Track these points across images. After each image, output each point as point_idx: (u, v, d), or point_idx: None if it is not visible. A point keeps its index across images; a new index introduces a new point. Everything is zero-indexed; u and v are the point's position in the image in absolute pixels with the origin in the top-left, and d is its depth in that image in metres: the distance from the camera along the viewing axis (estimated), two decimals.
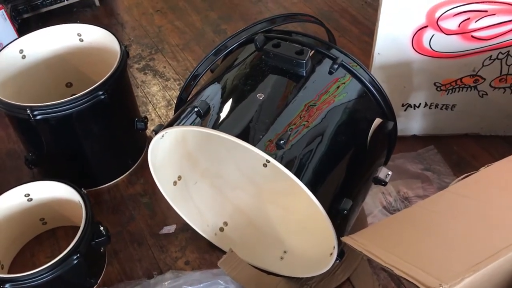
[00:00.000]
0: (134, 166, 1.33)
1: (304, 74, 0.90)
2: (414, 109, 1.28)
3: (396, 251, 0.68)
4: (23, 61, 1.26)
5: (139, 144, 1.36)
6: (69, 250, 0.96)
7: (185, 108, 0.93)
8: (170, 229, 1.19)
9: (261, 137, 0.81)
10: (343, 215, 0.84)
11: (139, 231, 1.19)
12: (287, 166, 0.79)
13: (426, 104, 1.27)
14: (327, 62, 0.93)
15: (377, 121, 0.95)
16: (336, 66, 0.92)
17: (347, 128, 0.91)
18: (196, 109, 0.86)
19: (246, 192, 1.22)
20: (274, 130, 0.82)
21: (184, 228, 1.18)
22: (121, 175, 1.30)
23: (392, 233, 0.76)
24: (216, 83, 0.97)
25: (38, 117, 1.06)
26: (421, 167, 1.27)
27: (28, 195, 1.10)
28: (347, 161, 0.90)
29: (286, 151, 0.81)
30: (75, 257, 0.97)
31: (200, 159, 1.18)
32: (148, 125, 1.32)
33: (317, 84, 0.91)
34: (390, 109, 0.98)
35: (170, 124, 0.92)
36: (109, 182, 1.28)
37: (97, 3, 1.91)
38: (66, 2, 1.82)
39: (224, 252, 1.11)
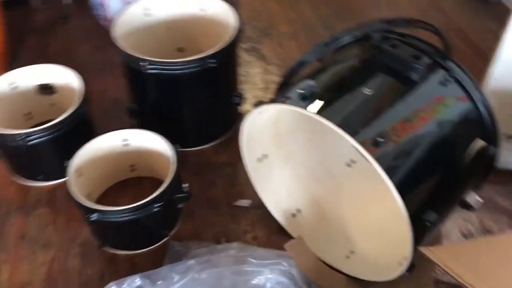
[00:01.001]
0: (223, 138, 1.38)
1: (417, 80, 0.89)
2: None
3: (477, 273, 0.66)
4: (145, 19, 1.35)
5: (230, 118, 1.40)
6: (152, 198, 1.03)
7: (288, 90, 0.95)
8: (245, 203, 1.23)
9: (360, 130, 0.81)
10: (424, 226, 0.83)
11: (216, 198, 1.24)
12: (380, 163, 0.79)
13: None
14: (441, 73, 0.92)
15: (480, 143, 0.92)
16: (450, 79, 0.90)
17: (448, 142, 0.89)
18: (300, 92, 0.88)
19: (324, 186, 1.23)
20: (374, 127, 0.82)
21: (258, 205, 1.21)
22: (209, 143, 1.36)
23: (474, 254, 0.74)
24: (323, 72, 0.98)
25: (151, 71, 1.14)
26: None
27: (126, 140, 1.18)
28: (439, 175, 0.88)
29: (381, 149, 0.80)
30: (156, 205, 1.03)
31: (288, 144, 1.20)
32: (242, 102, 1.36)
33: (427, 93, 0.89)
34: (496, 135, 0.95)
35: (272, 102, 0.95)
36: (197, 147, 1.34)
37: None
38: None
39: (292, 238, 1.14)
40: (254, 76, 1.59)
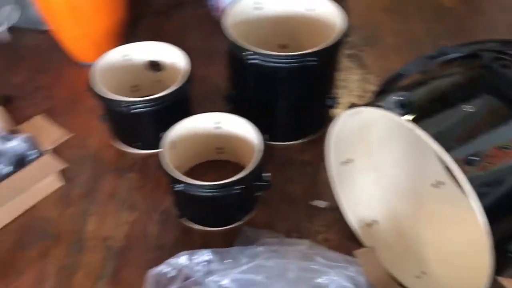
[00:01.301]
0: (310, 137, 1.40)
1: None
2: None
3: None
4: (254, 12, 1.40)
5: (321, 119, 1.41)
6: (234, 180, 1.07)
7: (385, 97, 0.95)
8: (322, 204, 1.23)
9: (455, 146, 0.79)
10: (506, 257, 0.78)
11: (293, 194, 1.26)
12: (471, 183, 0.76)
13: None
14: None
15: None
16: None
17: None
18: (397, 99, 0.87)
19: (405, 202, 1.20)
20: (470, 146, 0.80)
21: (335, 209, 1.21)
22: (296, 140, 1.38)
23: None
24: (424, 84, 0.96)
25: (252, 61, 1.18)
26: None
27: (218, 123, 1.24)
28: None
29: (474, 170, 0.78)
30: (237, 187, 1.07)
31: (375, 153, 1.18)
32: (335, 105, 1.37)
33: None
34: None
35: (367, 105, 0.95)
36: (284, 142, 1.37)
37: None
38: None
39: (363, 246, 1.12)
40: (351, 82, 1.58)
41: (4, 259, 1.12)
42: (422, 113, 0.86)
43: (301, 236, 1.16)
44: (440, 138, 0.80)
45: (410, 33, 1.79)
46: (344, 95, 1.53)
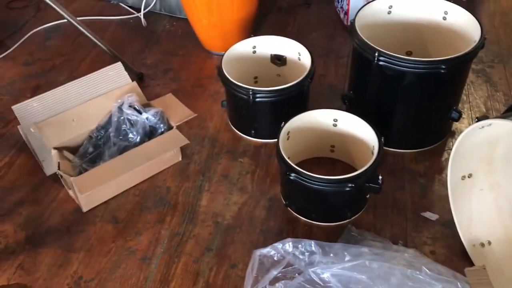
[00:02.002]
0: (426, 148, 1.36)
1: None
2: None
3: None
4: (386, 16, 1.39)
5: (442, 131, 1.37)
6: (349, 177, 1.08)
7: None
8: (432, 216, 1.20)
9: None
10: None
11: (403, 202, 1.24)
12: None
13: None
14: None
15: None
16: None
17: None
18: None
19: None
20: None
21: (445, 223, 1.17)
22: (412, 149, 1.35)
23: None
24: None
25: (381, 62, 1.18)
26: None
27: (336, 120, 1.25)
28: None
29: None
30: (349, 184, 1.08)
31: (498, 171, 1.13)
32: (459, 119, 1.32)
33: None
34: None
35: (501, 118, 0.91)
36: (399, 149, 1.35)
37: None
38: None
39: (472, 265, 1.08)
40: (476, 98, 1.51)
41: (125, 218, 1.23)
42: None
43: (406, 244, 1.14)
44: None
45: None
46: (467, 110, 1.47)
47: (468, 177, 1.11)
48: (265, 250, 1.09)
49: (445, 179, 1.24)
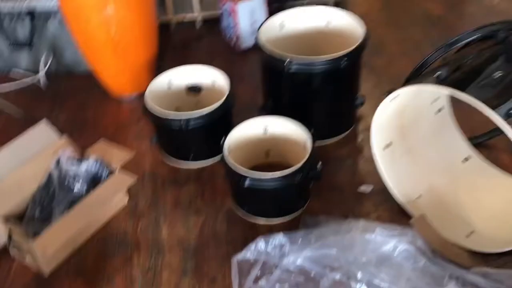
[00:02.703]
0: (343, 135, 1.54)
1: None
2: None
3: None
4: (281, 31, 1.57)
5: (351, 118, 1.57)
6: (297, 169, 1.20)
7: (421, 77, 1.11)
8: (367, 189, 1.37)
9: (494, 103, 0.95)
10: None
11: (340, 184, 1.40)
12: None
13: None
14: None
15: None
16: None
17: None
18: (437, 73, 1.03)
19: (442, 177, 1.34)
20: (508, 102, 0.95)
21: (380, 190, 1.34)
22: (332, 138, 1.52)
23: None
24: (451, 64, 1.12)
25: (292, 67, 1.34)
26: None
27: (266, 127, 1.38)
28: None
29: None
30: (299, 174, 1.20)
31: (409, 136, 1.34)
32: (362, 105, 1.53)
33: None
34: None
35: (407, 85, 1.10)
36: (321, 140, 1.51)
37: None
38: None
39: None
40: (367, 88, 1.75)
41: (92, 267, 1.22)
42: (460, 83, 1.02)
43: (355, 217, 1.29)
44: (483, 100, 0.95)
45: (410, 40, 1.99)
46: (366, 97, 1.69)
47: (388, 146, 1.30)
48: (241, 255, 1.16)
49: (367, 156, 1.44)
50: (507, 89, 0.99)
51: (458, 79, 1.04)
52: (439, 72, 1.03)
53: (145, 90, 1.49)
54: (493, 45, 1.12)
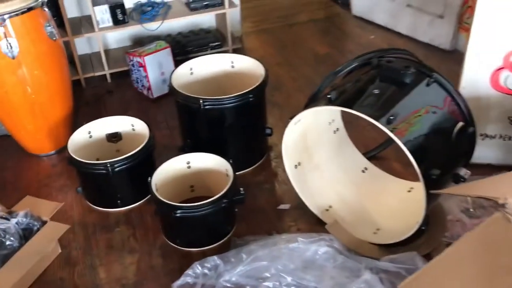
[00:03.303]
0: (258, 164, 1.71)
1: (409, 82, 1.25)
2: (490, 139, 1.57)
3: None
4: (191, 76, 1.73)
5: (263, 147, 1.74)
6: (222, 194, 1.33)
7: (317, 100, 1.30)
8: (285, 207, 1.53)
9: (376, 114, 1.16)
10: (431, 179, 1.14)
11: (261, 206, 1.54)
12: (392, 132, 1.13)
13: (501, 136, 1.55)
14: (425, 78, 1.29)
15: (460, 124, 1.27)
16: (432, 81, 1.27)
17: (441, 124, 1.24)
18: (328, 96, 1.23)
19: (346, 187, 1.54)
20: (388, 112, 1.17)
21: (297, 207, 1.51)
22: (249, 167, 1.68)
23: None
24: (339, 88, 1.34)
25: (207, 106, 1.49)
26: None
27: (189, 162, 1.50)
28: (439, 145, 1.22)
29: (393, 125, 1.14)
30: (224, 201, 1.33)
31: (315, 155, 1.53)
32: (271, 134, 1.71)
33: (419, 91, 1.26)
34: (472, 119, 1.30)
35: (305, 108, 1.29)
36: (240, 171, 1.65)
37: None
38: (209, 51, 2.34)
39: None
40: (273, 120, 1.94)
41: None
42: (348, 101, 1.23)
43: (279, 233, 1.43)
44: (365, 112, 1.16)
45: (303, 77, 2.24)
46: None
47: (298, 165, 1.48)
48: (180, 281, 1.25)
49: (282, 179, 1.61)
50: (385, 103, 1.21)
51: (346, 99, 1.25)
52: (329, 96, 1.23)
53: (64, 145, 1.56)
54: (369, 70, 1.36)
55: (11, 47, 1.51)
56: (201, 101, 1.48)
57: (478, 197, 0.96)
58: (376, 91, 1.24)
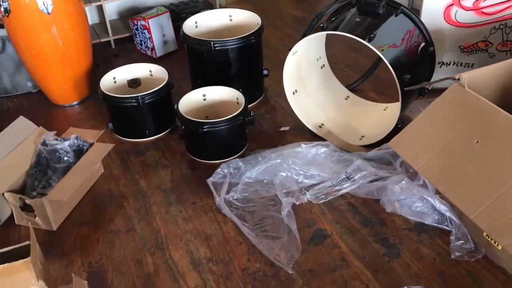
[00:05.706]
0: (258, 100, 2.02)
1: (381, 13, 1.60)
2: (447, 66, 1.93)
3: None
4: (196, 29, 2.02)
5: (262, 86, 2.05)
6: (238, 112, 1.64)
7: (311, 29, 1.63)
8: (286, 128, 1.85)
9: (361, 34, 1.50)
10: (404, 82, 1.49)
11: (266, 129, 1.86)
12: (373, 45, 1.47)
13: (454, 63, 1.92)
14: (394, 10, 1.63)
15: (423, 44, 1.62)
16: (399, 12, 1.62)
17: (409, 44, 1.59)
18: (321, 25, 1.56)
19: (334, 111, 1.87)
20: (367, 32, 1.51)
21: (296, 127, 1.83)
22: (250, 104, 1.99)
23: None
24: (327, 23, 1.67)
25: (217, 47, 1.79)
26: None
27: (205, 95, 1.80)
28: (410, 58, 1.58)
29: (374, 41, 1.48)
30: (240, 118, 1.64)
31: (307, 85, 1.86)
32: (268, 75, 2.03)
33: (390, 21, 1.60)
34: (431, 40, 1.66)
35: (301, 39, 1.62)
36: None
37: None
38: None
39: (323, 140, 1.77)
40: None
41: (92, 217, 1.51)
42: (336, 28, 1.56)
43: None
44: (351, 32, 1.50)
45: (286, 35, 2.57)
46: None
47: (295, 92, 1.80)
48: (212, 177, 1.56)
49: (280, 110, 1.93)
50: (366, 27, 1.55)
51: (335, 26, 1.58)
52: (322, 25, 1.56)
53: (86, 96, 1.84)
54: (350, 8, 1.69)
55: (47, 4, 1.77)
56: (212, 43, 1.79)
57: (441, 80, 1.32)
58: (358, 19, 1.58)
